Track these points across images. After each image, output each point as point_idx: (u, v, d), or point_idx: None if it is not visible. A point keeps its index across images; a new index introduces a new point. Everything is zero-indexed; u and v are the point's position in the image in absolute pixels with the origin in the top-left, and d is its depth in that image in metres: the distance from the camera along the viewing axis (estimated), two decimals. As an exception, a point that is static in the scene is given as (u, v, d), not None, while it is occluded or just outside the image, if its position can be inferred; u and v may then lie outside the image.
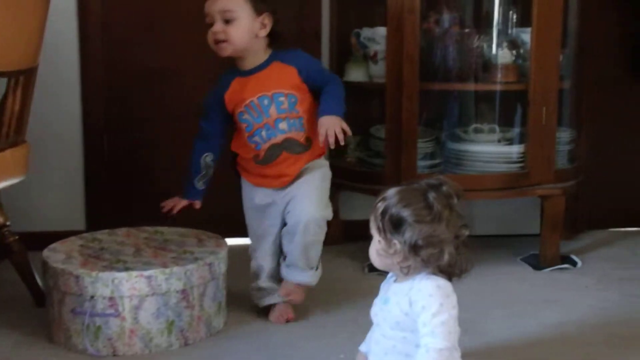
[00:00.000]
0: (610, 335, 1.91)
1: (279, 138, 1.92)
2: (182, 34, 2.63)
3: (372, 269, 2.38)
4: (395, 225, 1.34)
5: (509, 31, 2.56)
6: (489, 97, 2.56)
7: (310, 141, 1.94)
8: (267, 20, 1.88)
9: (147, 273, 1.75)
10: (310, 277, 1.99)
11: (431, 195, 1.35)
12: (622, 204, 2.95)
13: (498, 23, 2.54)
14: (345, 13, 2.65)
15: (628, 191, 2.95)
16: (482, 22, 2.55)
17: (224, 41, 1.86)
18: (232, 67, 1.96)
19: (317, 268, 2.00)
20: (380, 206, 1.37)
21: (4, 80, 1.88)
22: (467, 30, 2.48)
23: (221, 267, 1.93)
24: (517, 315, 2.05)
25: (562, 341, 1.88)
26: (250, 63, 1.92)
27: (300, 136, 1.93)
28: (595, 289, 2.28)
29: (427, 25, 2.44)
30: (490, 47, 2.50)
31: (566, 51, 2.57)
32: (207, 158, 2.03)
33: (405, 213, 1.33)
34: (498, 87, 2.51)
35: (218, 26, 1.85)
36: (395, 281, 1.43)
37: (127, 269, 1.77)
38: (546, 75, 2.41)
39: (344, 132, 1.85)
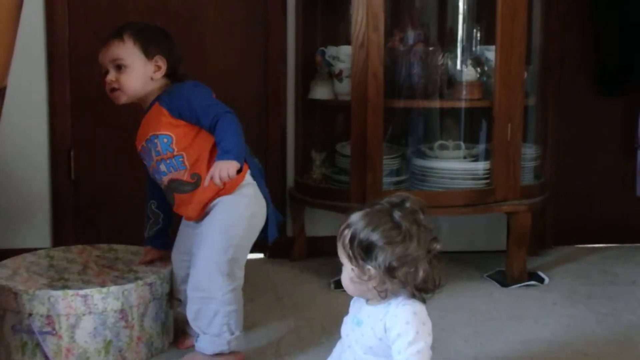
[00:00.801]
0: (577, 352, 1.90)
1: (165, 180, 1.82)
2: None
3: (338, 285, 2.37)
4: (366, 250, 1.31)
5: (474, 49, 2.58)
6: (454, 114, 2.57)
7: (199, 177, 1.77)
8: (160, 62, 1.81)
9: (83, 292, 1.73)
10: (202, 343, 1.77)
11: (397, 214, 1.33)
12: (588, 220, 2.97)
13: (462, 40, 2.57)
14: (310, 32, 2.66)
15: (594, 207, 2.96)
16: (447, 40, 2.57)
17: (117, 89, 1.80)
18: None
19: (219, 334, 1.75)
20: (347, 233, 1.34)
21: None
22: (431, 47, 2.50)
23: (164, 287, 1.89)
24: (483, 332, 2.04)
25: (529, 359, 1.87)
26: (147, 103, 1.84)
27: (182, 175, 1.79)
28: (563, 305, 2.28)
29: (391, 43, 2.45)
30: (454, 64, 2.52)
31: (531, 68, 2.59)
32: (152, 205, 1.96)
33: (375, 237, 1.30)
34: (463, 104, 2.52)
35: (111, 75, 1.80)
36: (367, 302, 1.39)
37: (64, 287, 1.75)
38: (511, 92, 2.43)
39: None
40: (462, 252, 2.83)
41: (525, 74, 2.49)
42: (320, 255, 2.66)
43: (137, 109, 2.87)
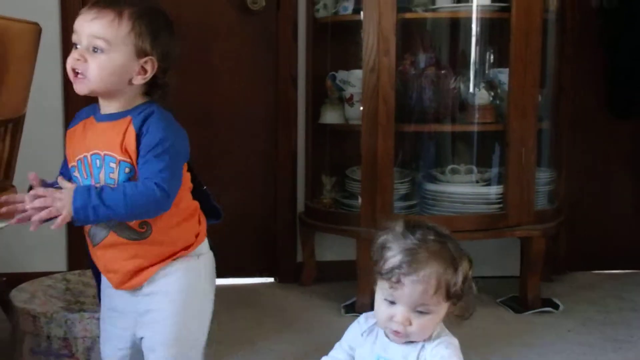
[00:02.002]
0: (591, 381, 1.88)
1: None
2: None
3: (349, 310, 2.36)
4: (460, 291, 1.26)
5: (486, 72, 2.57)
6: (466, 137, 2.55)
7: (148, 227, 1.34)
8: (149, 65, 1.35)
9: (98, 315, 1.69)
10: None
11: (451, 246, 1.27)
12: (604, 246, 2.92)
13: (475, 64, 2.55)
14: (320, 56, 2.66)
15: (610, 232, 2.92)
16: (459, 63, 2.56)
17: (82, 75, 1.34)
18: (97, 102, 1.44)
19: None
20: (430, 281, 1.22)
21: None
22: (443, 71, 2.49)
23: None
24: (497, 359, 2.01)
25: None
26: (109, 107, 1.38)
27: None
28: (578, 332, 2.24)
29: (402, 67, 2.45)
30: (467, 87, 2.51)
31: (545, 91, 2.57)
32: None
33: (460, 276, 1.25)
34: (475, 128, 2.51)
35: (80, 51, 1.33)
36: (392, 340, 1.30)
37: (80, 310, 1.77)
38: (524, 115, 2.41)
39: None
40: (474, 277, 2.78)
41: (539, 97, 2.47)
42: (330, 280, 2.63)
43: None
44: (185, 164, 1.42)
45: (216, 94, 2.69)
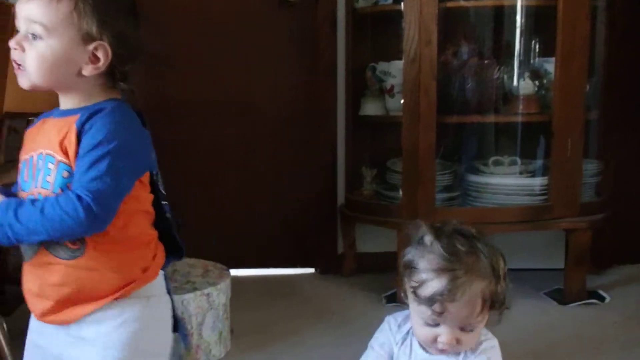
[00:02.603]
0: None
1: None
2: (199, 76, 2.69)
3: (390, 300, 2.36)
4: (502, 300, 1.20)
5: (532, 61, 2.52)
6: (510, 129, 2.51)
7: (82, 245, 1.10)
8: (102, 53, 1.12)
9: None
10: None
11: (484, 252, 1.19)
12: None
13: (520, 53, 2.51)
14: (360, 47, 2.65)
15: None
16: (503, 53, 2.51)
17: (21, 65, 1.13)
18: None
19: None
20: (474, 294, 1.16)
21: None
22: (486, 61, 2.45)
23: (221, 297, 1.94)
24: (540, 352, 1.99)
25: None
26: (66, 103, 1.17)
27: None
28: (624, 325, 2.20)
29: (444, 57, 2.41)
30: (511, 78, 2.47)
31: (593, 80, 2.51)
32: None
33: (502, 286, 1.19)
34: (519, 119, 2.46)
35: (17, 39, 1.12)
36: (435, 353, 1.24)
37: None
38: (571, 105, 2.36)
39: None
40: (517, 269, 2.75)
41: (587, 87, 2.41)
42: (371, 271, 2.64)
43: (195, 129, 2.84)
44: (147, 182, 1.18)
45: (255, 87, 2.71)
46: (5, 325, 1.75)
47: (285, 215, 2.77)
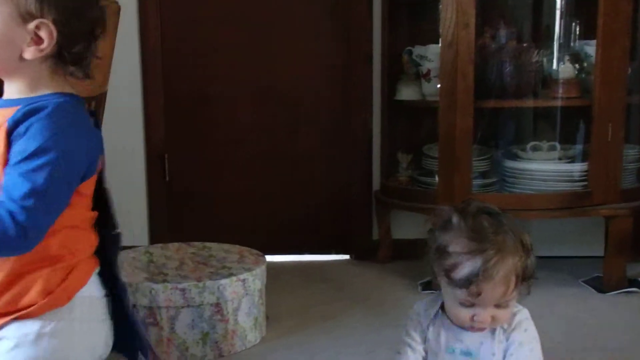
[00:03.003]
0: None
1: None
2: (236, 62, 2.70)
3: (425, 287, 2.34)
4: (531, 274, 1.22)
5: (572, 44, 2.47)
6: (549, 113, 2.47)
7: None
8: (45, 32, 0.98)
9: (181, 286, 1.83)
10: None
11: (508, 225, 1.21)
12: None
13: (559, 36, 2.46)
14: (396, 31, 2.62)
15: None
16: (542, 36, 2.47)
17: None
18: None
19: None
20: (507, 267, 1.17)
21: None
22: (525, 44, 2.41)
23: (256, 283, 1.95)
24: (578, 339, 1.97)
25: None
26: (9, 90, 1.04)
27: None
28: (666, 314, 2.16)
29: (482, 41, 2.38)
30: (550, 61, 2.42)
31: (635, 63, 2.45)
32: None
33: (531, 260, 1.21)
34: (559, 103, 2.42)
35: None
36: (468, 329, 1.26)
37: (164, 281, 1.85)
38: (612, 89, 2.30)
39: None
40: (556, 257, 2.72)
41: (629, 70, 2.35)
42: (406, 258, 2.62)
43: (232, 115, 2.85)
44: (88, 191, 1.04)
45: (290, 73, 2.71)
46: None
47: (321, 201, 2.77)
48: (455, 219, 1.20)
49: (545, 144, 2.43)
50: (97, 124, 1.08)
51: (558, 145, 2.43)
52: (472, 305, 1.19)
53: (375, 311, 2.18)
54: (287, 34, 2.70)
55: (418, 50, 2.51)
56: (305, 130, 2.74)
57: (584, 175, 2.36)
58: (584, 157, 2.39)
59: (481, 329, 1.23)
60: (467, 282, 1.15)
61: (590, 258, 2.64)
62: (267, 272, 2.02)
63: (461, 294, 1.18)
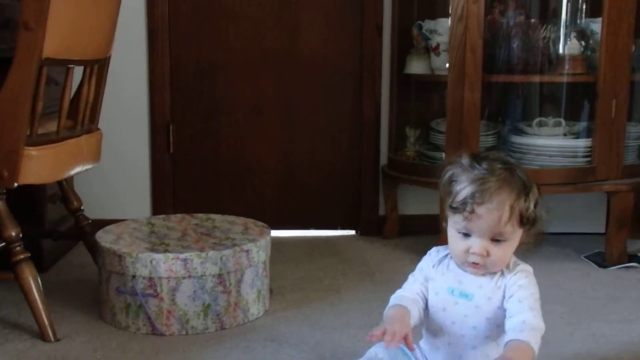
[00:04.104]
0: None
1: None
2: (242, 31, 2.68)
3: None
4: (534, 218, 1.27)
5: (578, 21, 2.48)
6: (555, 89, 2.49)
7: None
8: None
9: (182, 256, 1.78)
10: None
11: (519, 172, 1.28)
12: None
13: (566, 13, 2.47)
14: (407, 5, 2.61)
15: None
16: (549, 13, 2.48)
17: None
18: None
19: None
20: (511, 204, 1.23)
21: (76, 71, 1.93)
22: (533, 20, 2.42)
23: (260, 255, 1.92)
24: (580, 311, 2.00)
25: (629, 339, 1.82)
26: None
27: None
28: (665, 289, 2.20)
29: (491, 16, 2.38)
30: (557, 38, 2.43)
31: (639, 41, 2.47)
32: None
33: (531, 201, 1.26)
34: (565, 79, 2.43)
35: None
36: (471, 272, 1.32)
37: (165, 252, 1.80)
38: (617, 66, 2.33)
39: None
40: (559, 233, 2.75)
41: (633, 48, 2.37)
42: (412, 234, 2.64)
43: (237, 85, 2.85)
44: None
45: (300, 45, 2.69)
46: (40, 281, 1.77)
47: (327, 175, 2.78)
48: (465, 160, 1.28)
49: (551, 120, 2.45)
50: None
51: (563, 122, 2.45)
52: (468, 235, 1.26)
53: (381, 285, 2.19)
54: (299, 7, 2.68)
55: (428, 24, 2.51)
56: (313, 103, 2.73)
57: (588, 152, 2.38)
58: (589, 133, 2.41)
59: (478, 268, 1.28)
60: (463, 204, 1.23)
61: (591, 235, 2.68)
62: (272, 247, 2.00)
63: (458, 220, 1.25)
